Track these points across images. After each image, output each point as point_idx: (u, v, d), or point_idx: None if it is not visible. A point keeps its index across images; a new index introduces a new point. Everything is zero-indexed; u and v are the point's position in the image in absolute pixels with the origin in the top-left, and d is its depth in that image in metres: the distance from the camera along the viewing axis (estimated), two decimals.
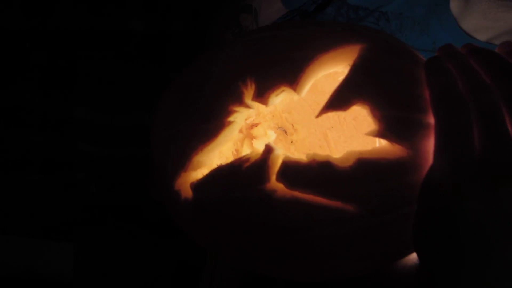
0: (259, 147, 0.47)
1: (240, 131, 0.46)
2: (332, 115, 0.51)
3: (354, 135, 0.50)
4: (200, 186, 0.34)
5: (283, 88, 0.33)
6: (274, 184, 0.32)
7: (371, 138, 0.50)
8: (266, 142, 0.33)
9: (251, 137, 0.49)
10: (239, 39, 0.40)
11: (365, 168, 0.30)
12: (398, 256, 0.39)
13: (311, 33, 0.35)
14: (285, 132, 0.53)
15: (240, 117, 0.34)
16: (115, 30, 0.68)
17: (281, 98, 0.34)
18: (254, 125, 0.49)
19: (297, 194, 0.31)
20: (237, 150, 0.48)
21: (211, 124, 0.34)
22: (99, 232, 0.80)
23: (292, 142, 0.53)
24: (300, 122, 0.52)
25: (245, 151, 0.47)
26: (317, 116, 0.32)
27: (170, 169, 0.37)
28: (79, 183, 0.73)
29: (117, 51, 0.70)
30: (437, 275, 0.30)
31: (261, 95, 0.33)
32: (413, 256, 0.40)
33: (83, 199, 0.79)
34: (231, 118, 0.34)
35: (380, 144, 0.33)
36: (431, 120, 0.31)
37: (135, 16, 0.69)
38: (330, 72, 0.38)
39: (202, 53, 0.74)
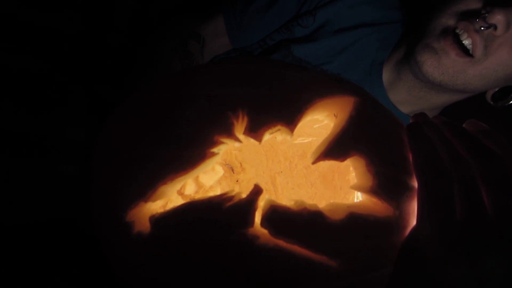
0: (206, 182, 0.44)
1: None
2: (283, 160, 0.50)
3: (302, 183, 0.50)
4: (163, 221, 0.29)
5: (279, 126, 0.30)
6: (258, 229, 0.28)
7: (315, 189, 0.50)
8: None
9: None
10: (219, 63, 0.37)
11: (355, 223, 0.29)
12: None
13: (306, 76, 0.34)
14: (232, 170, 0.50)
15: (223, 150, 0.31)
16: (45, 26, 0.59)
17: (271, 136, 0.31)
18: None
19: (281, 243, 0.28)
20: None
21: (190, 152, 0.29)
22: None
23: (237, 181, 0.50)
24: (250, 161, 0.49)
25: (190, 184, 0.43)
26: (314, 163, 0.31)
27: (121, 196, 0.31)
28: None
29: (41, 49, 0.60)
30: None
31: (255, 131, 0.30)
32: None
33: None
34: (214, 149, 0.30)
35: (359, 199, 0.32)
36: (414, 183, 0.32)
37: (71, 16, 0.61)
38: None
39: (139, 71, 0.69)
